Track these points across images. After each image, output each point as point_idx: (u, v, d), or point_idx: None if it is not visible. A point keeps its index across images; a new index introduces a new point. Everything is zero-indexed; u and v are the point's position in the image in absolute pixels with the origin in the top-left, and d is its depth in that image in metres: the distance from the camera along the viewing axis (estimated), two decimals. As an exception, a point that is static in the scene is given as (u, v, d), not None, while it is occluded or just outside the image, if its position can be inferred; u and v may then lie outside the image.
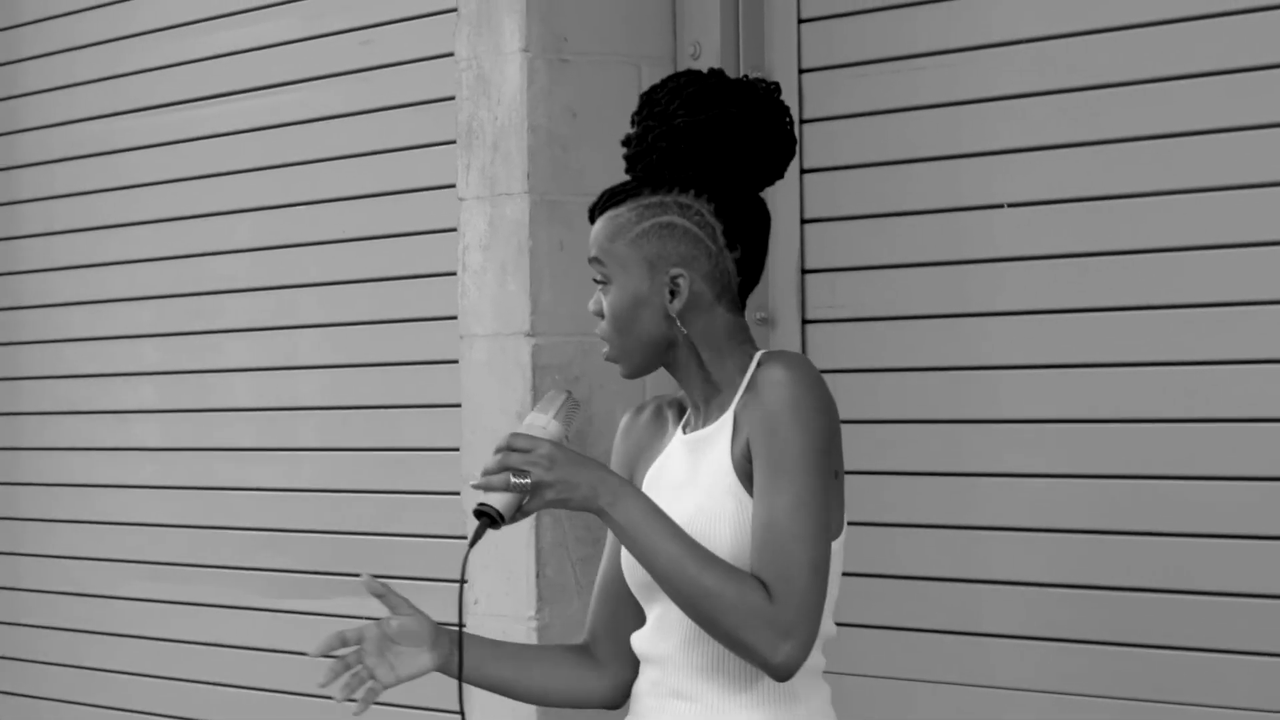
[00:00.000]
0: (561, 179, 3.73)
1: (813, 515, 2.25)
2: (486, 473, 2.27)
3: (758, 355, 2.34)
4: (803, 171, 3.71)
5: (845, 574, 3.53)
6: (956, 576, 3.57)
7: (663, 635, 2.37)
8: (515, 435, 2.29)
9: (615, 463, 2.53)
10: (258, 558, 4.62)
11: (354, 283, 4.40)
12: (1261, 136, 3.17)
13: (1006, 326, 3.51)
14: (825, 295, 3.72)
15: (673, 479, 2.38)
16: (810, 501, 2.25)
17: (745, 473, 2.30)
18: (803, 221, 3.72)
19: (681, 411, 2.44)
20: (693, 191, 2.31)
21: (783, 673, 2.21)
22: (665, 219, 2.32)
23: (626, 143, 2.39)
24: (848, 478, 3.51)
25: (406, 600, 2.32)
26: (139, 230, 4.89)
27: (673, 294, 2.31)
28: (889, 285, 3.66)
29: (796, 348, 3.75)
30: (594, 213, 2.40)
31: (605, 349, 2.41)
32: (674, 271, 2.30)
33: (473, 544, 2.29)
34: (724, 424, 2.34)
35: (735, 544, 2.32)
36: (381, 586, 2.29)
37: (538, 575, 3.61)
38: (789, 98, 3.51)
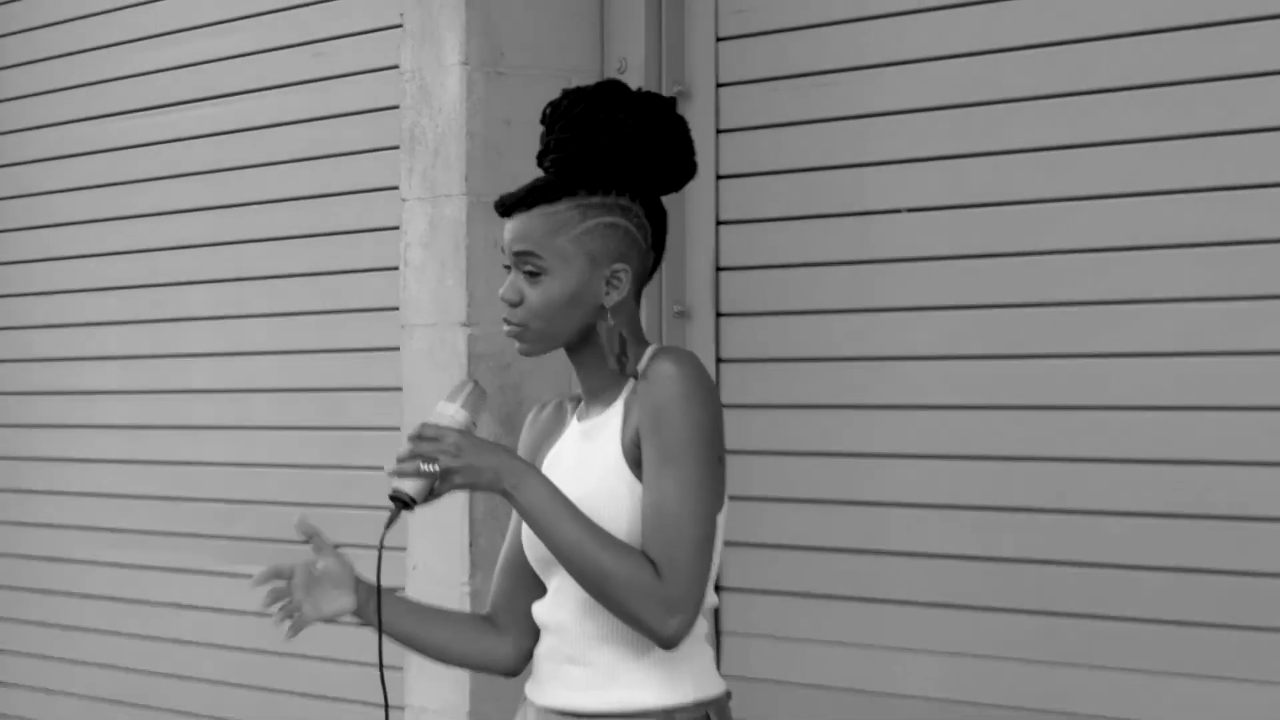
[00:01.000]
0: (496, 182, 3.61)
1: (697, 499, 2.25)
2: (399, 460, 2.27)
3: (650, 350, 2.33)
4: (718, 177, 3.78)
5: (752, 544, 3.60)
6: (857, 547, 3.60)
7: (559, 605, 2.38)
8: (425, 425, 2.28)
9: (521, 451, 2.50)
10: (215, 526, 4.70)
11: (304, 276, 4.52)
12: (1154, 148, 3.28)
13: (908, 321, 3.56)
14: (739, 291, 3.79)
15: (567, 463, 2.37)
16: (695, 486, 2.25)
17: (634, 458, 2.29)
18: (718, 223, 3.79)
19: (577, 404, 2.44)
20: (628, 195, 2.30)
21: (670, 643, 2.23)
22: (609, 219, 2.29)
23: (553, 147, 2.34)
24: (757, 457, 3.60)
25: (332, 545, 2.35)
26: (105, 226, 5.01)
27: (612, 288, 2.32)
28: (799, 282, 3.74)
29: (711, 339, 3.85)
30: (516, 208, 2.35)
31: (509, 329, 2.35)
32: (616, 267, 2.28)
33: (388, 526, 2.30)
34: (615, 411, 2.34)
35: (622, 523, 2.32)
36: (312, 528, 2.33)
37: (470, 544, 3.65)
38: (707, 110, 3.78)
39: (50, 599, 5.45)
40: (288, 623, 2.34)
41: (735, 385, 3.83)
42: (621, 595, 2.26)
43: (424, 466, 2.27)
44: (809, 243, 3.71)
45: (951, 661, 3.49)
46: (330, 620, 2.39)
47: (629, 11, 3.92)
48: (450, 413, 2.33)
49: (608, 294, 2.29)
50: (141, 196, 4.87)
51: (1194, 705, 3.20)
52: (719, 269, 3.80)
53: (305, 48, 4.58)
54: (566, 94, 2.36)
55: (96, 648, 4.98)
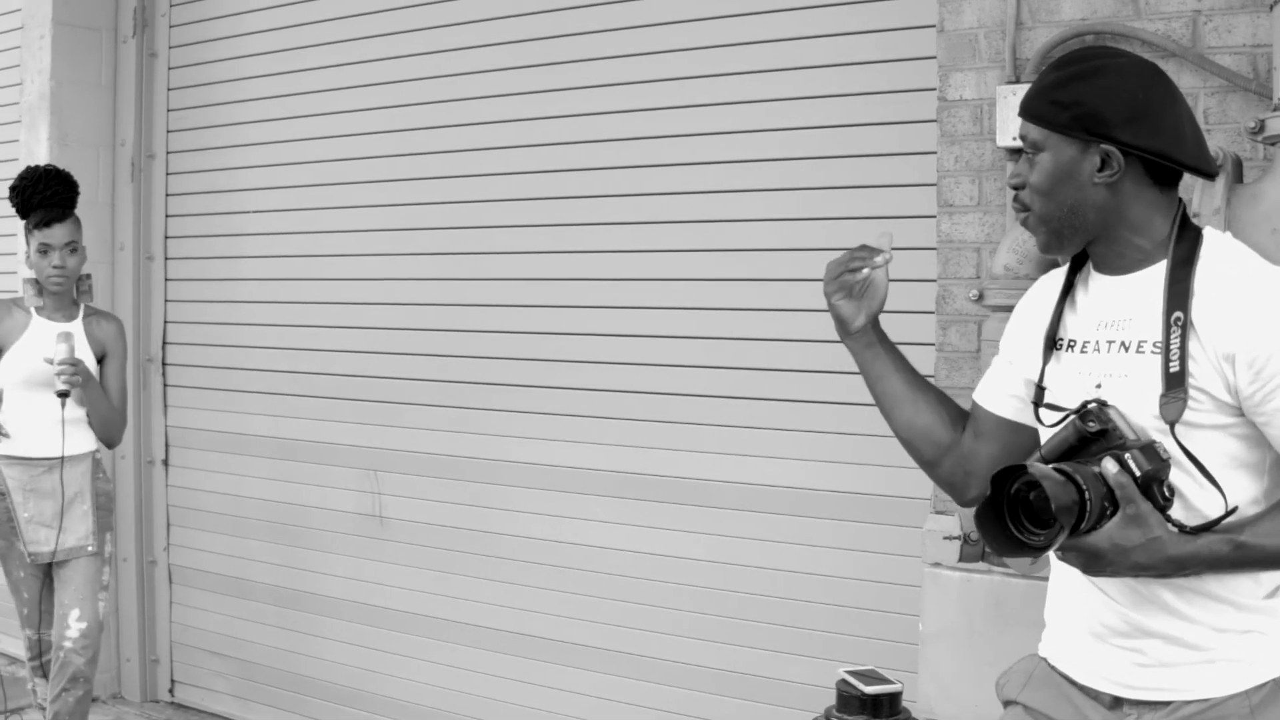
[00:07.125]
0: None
1: (124, 383, 3.66)
2: (61, 374, 3.46)
3: (89, 291, 3.58)
4: (167, 195, 5.01)
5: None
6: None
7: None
8: (68, 359, 3.45)
9: (6, 325, 3.52)
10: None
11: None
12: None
13: (271, 275, 4.70)
14: (178, 245, 4.94)
15: (47, 339, 3.49)
16: (124, 379, 3.66)
17: (100, 354, 3.53)
18: (167, 216, 5.01)
19: (39, 308, 3.50)
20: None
21: (116, 445, 3.65)
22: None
23: (59, 193, 3.45)
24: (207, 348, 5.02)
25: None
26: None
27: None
28: (202, 244, 4.88)
29: (162, 273, 4.92)
30: (60, 218, 3.45)
31: (62, 278, 3.50)
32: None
33: (64, 403, 3.52)
34: (76, 324, 3.51)
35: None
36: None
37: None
38: (162, 164, 4.89)
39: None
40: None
41: (176, 294, 5.00)
42: (115, 427, 3.64)
43: (73, 377, 3.54)
44: (210, 228, 4.88)
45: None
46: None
47: (125, 114, 5.00)
48: (65, 353, 3.57)
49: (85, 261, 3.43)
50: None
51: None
52: (167, 236, 5.08)
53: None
54: (49, 169, 3.45)
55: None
